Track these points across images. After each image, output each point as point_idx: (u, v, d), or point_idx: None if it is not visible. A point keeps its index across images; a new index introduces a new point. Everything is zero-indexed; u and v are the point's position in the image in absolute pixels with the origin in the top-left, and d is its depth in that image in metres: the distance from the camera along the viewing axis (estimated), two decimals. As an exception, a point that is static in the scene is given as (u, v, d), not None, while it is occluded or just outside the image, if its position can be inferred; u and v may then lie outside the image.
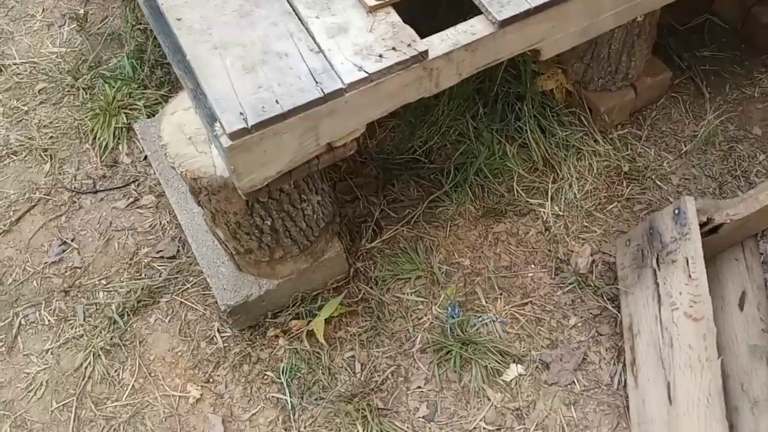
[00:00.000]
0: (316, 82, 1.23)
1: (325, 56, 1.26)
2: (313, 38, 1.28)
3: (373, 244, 1.89)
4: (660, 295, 1.59)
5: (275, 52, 1.27)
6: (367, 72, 1.24)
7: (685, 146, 2.02)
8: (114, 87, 2.16)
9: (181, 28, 1.29)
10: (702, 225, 1.59)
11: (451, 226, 1.93)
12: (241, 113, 1.19)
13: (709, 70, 2.17)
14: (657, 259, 1.63)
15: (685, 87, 2.14)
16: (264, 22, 1.30)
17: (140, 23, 2.25)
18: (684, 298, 1.53)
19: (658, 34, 2.20)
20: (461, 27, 1.33)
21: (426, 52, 1.28)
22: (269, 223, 1.52)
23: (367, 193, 1.97)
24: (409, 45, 1.27)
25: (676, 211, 1.61)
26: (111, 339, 1.81)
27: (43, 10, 2.40)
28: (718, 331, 1.63)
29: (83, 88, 2.20)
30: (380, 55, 1.26)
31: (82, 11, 2.35)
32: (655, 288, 1.61)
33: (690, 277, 1.53)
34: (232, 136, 1.19)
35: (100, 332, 1.82)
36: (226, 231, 1.54)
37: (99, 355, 1.79)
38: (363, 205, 1.96)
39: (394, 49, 1.27)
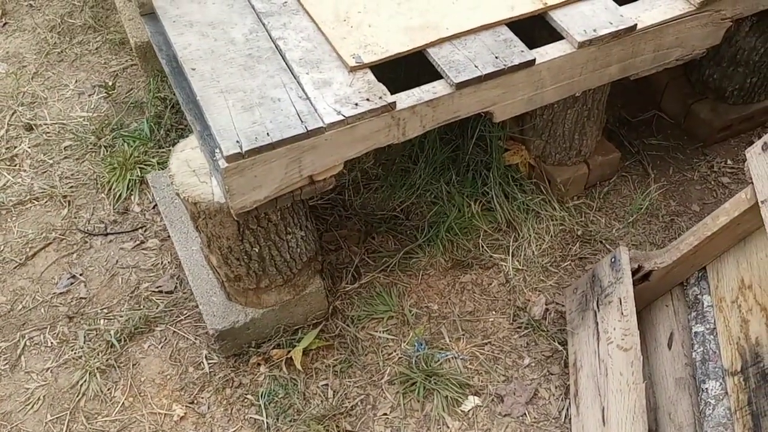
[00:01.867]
0: (302, 121, 1.50)
1: (310, 102, 1.54)
2: (302, 88, 1.57)
3: (351, 287, 2.11)
4: (599, 332, 1.79)
5: (270, 97, 1.55)
6: (344, 115, 1.52)
7: (632, 217, 2.27)
8: (132, 146, 2.46)
9: (194, 76, 1.58)
10: (635, 272, 1.81)
11: (423, 275, 2.15)
12: (237, 141, 1.46)
13: (655, 155, 2.46)
14: (597, 301, 1.85)
15: (634, 168, 2.42)
16: (263, 74, 1.60)
17: (161, 93, 2.58)
18: (617, 333, 1.73)
19: (613, 125, 2.52)
20: (425, 87, 1.63)
21: (394, 103, 1.56)
22: (257, 250, 1.76)
23: (350, 243, 2.21)
24: (380, 97, 1.56)
25: (613, 259, 1.84)
26: (107, 360, 2.00)
27: (76, 81, 2.73)
28: (651, 368, 1.83)
29: (104, 146, 2.49)
30: (356, 104, 1.54)
31: (110, 82, 2.69)
32: (595, 327, 1.82)
33: (622, 314, 1.74)
34: (228, 159, 1.45)
35: (98, 354, 2.01)
36: (219, 256, 1.77)
37: (94, 374, 1.97)
38: (345, 253, 2.19)
39: (367, 99, 1.56)
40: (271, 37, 1.68)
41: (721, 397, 1.60)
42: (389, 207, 2.27)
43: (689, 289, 1.80)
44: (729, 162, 2.46)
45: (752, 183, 1.50)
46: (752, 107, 2.48)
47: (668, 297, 1.86)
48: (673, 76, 2.53)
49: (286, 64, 1.63)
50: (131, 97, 2.65)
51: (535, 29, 1.83)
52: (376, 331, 2.04)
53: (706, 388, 1.64)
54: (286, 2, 1.76)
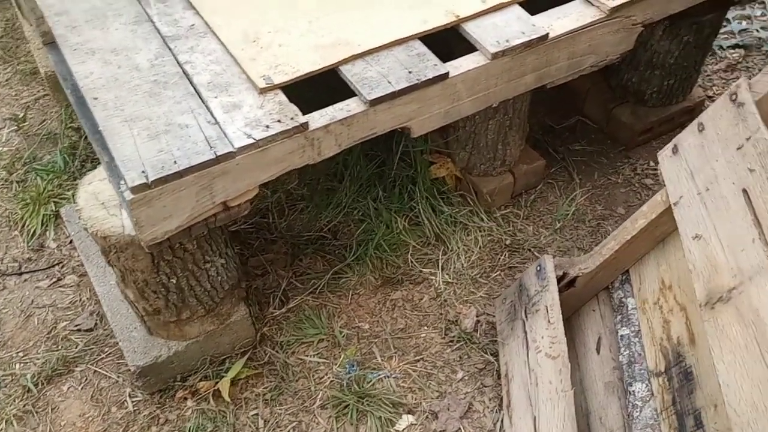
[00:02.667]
0: (211, 147, 1.45)
1: (220, 127, 1.50)
2: (211, 113, 1.52)
3: (279, 312, 2.06)
4: (528, 342, 1.79)
5: (177, 123, 1.50)
6: (254, 138, 1.48)
7: (559, 223, 2.29)
8: (45, 179, 2.35)
9: (96, 106, 1.52)
10: (560, 279, 1.81)
11: (352, 294, 2.12)
12: (143, 171, 1.40)
13: (579, 161, 2.49)
14: (525, 310, 1.84)
15: (560, 174, 2.44)
16: (170, 100, 1.54)
17: (74, 123, 2.48)
18: (545, 341, 1.72)
19: (538, 132, 2.54)
20: (338, 105, 1.60)
21: (306, 124, 1.53)
22: (174, 281, 1.69)
23: (277, 267, 2.16)
24: (292, 118, 1.52)
25: (538, 268, 1.84)
26: (24, 407, 1.89)
27: (-15, 114, 2.62)
28: (582, 374, 1.83)
29: (17, 182, 2.38)
30: (267, 126, 1.50)
31: (21, 114, 2.58)
32: (524, 336, 1.81)
33: (549, 322, 1.73)
34: (134, 190, 1.39)
35: (14, 401, 1.90)
36: (135, 290, 1.70)
37: (11, 422, 1.87)
38: (272, 278, 2.14)
39: (279, 121, 1.52)
40: (177, 62, 1.63)
41: (647, 399, 1.60)
42: (316, 227, 2.23)
43: (614, 292, 1.81)
44: (651, 164, 2.50)
45: (665, 185, 1.52)
46: (671, 109, 2.54)
47: (595, 302, 1.87)
48: (594, 82, 2.57)
49: (194, 88, 1.57)
50: (44, 129, 2.54)
51: (453, 42, 1.83)
52: (307, 356, 1.99)
53: (633, 391, 1.64)
54: (193, 25, 1.71)
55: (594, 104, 2.62)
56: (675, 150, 1.51)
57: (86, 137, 2.43)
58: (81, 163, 2.40)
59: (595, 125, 2.61)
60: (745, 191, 1.28)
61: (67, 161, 2.39)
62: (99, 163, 2.37)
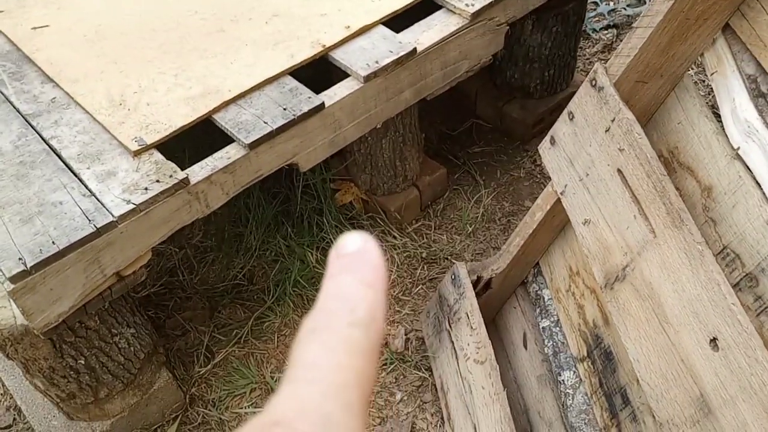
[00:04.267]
0: (89, 220, 1.41)
1: (96, 198, 1.45)
2: (85, 185, 1.48)
3: (206, 369, 2.00)
4: (456, 351, 1.79)
5: (50, 202, 1.44)
6: (134, 203, 1.44)
7: (471, 227, 2.31)
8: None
9: (-38, 199, 1.45)
10: (475, 284, 1.83)
11: (278, 337, 2.08)
12: (20, 258, 1.34)
13: (480, 162, 2.52)
14: (448, 320, 1.84)
15: (464, 179, 2.47)
16: (39, 180, 1.49)
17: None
18: (471, 348, 1.73)
19: (435, 141, 2.57)
20: (218, 154, 1.57)
21: (187, 179, 1.49)
22: (83, 362, 1.62)
23: (197, 324, 2.11)
24: (170, 176, 1.49)
25: (453, 276, 1.85)
26: None
27: None
28: (515, 372, 1.84)
29: None
30: (146, 188, 1.46)
31: None
32: (451, 346, 1.81)
33: (472, 327, 1.74)
34: (13, 279, 1.33)
35: None
36: (43, 379, 1.63)
37: None
38: (193, 335, 2.08)
39: (158, 181, 1.48)
40: (43, 138, 1.57)
41: (577, 385, 1.62)
42: (230, 276, 2.19)
43: (530, 286, 1.83)
44: (549, 153, 2.55)
45: (551, 177, 1.55)
46: (557, 97, 2.60)
47: (514, 299, 1.89)
48: (481, 83, 2.61)
49: (64, 163, 1.52)
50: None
51: (331, 68, 1.82)
52: (241, 408, 1.94)
53: (563, 380, 1.66)
54: (54, 98, 1.66)
55: (485, 105, 2.66)
56: (552, 141, 1.55)
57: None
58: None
59: (489, 125, 2.66)
60: (619, 171, 1.32)
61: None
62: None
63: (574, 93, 2.59)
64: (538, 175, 2.49)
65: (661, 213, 1.21)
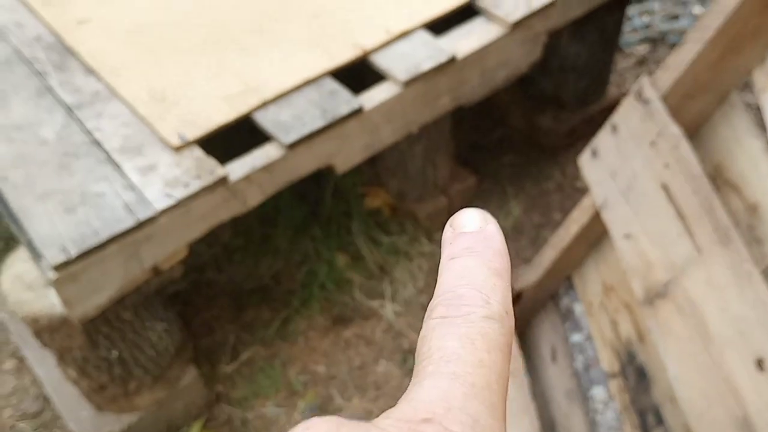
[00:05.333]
0: (131, 212, 1.41)
1: (138, 191, 1.46)
2: (127, 178, 1.48)
3: (231, 367, 2.00)
4: (484, 361, 1.78)
5: (93, 193, 1.45)
6: (176, 198, 1.44)
7: (500, 236, 2.30)
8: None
9: (6, 186, 1.46)
10: (506, 293, 1.82)
11: (304, 338, 2.08)
12: (63, 247, 1.35)
13: (510, 173, 2.52)
14: (477, 330, 1.83)
15: (493, 189, 2.46)
16: (82, 170, 1.50)
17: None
18: (500, 358, 1.72)
19: (465, 150, 2.56)
20: (256, 153, 1.58)
21: (226, 176, 1.50)
22: (116, 354, 1.63)
23: (223, 322, 2.11)
24: (211, 172, 1.49)
25: (483, 285, 1.84)
26: (-27, 508, 1.80)
27: None
28: (543, 386, 1.82)
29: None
30: (186, 183, 1.47)
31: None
32: (479, 356, 1.80)
33: (501, 338, 1.73)
34: (57, 268, 1.34)
35: (-38, 504, 1.80)
36: (76, 369, 1.64)
37: None
38: (219, 334, 2.08)
39: (198, 177, 1.49)
40: (86, 129, 1.58)
41: (607, 402, 1.61)
42: (257, 276, 2.19)
43: (561, 300, 1.82)
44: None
45: (590, 189, 1.54)
46: (590, 110, 2.59)
47: (544, 312, 1.88)
48: (513, 93, 2.61)
49: (107, 154, 1.53)
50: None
51: (366, 73, 1.83)
52: (266, 407, 1.94)
53: (593, 395, 1.65)
54: (97, 90, 1.67)
55: (516, 114, 2.66)
56: (594, 153, 1.54)
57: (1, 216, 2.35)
58: (5, 242, 2.31)
59: (520, 135, 2.65)
60: (664, 186, 1.31)
61: (-12, 243, 2.30)
62: (7, 242, 2.30)
63: (606, 106, 2.61)
64: (569, 188, 2.48)
65: (708, 230, 1.20)
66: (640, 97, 1.39)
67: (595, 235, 1.66)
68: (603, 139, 1.49)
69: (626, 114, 1.42)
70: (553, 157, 2.58)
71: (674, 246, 1.28)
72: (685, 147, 1.29)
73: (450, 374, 0.29)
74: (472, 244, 0.33)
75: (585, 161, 1.56)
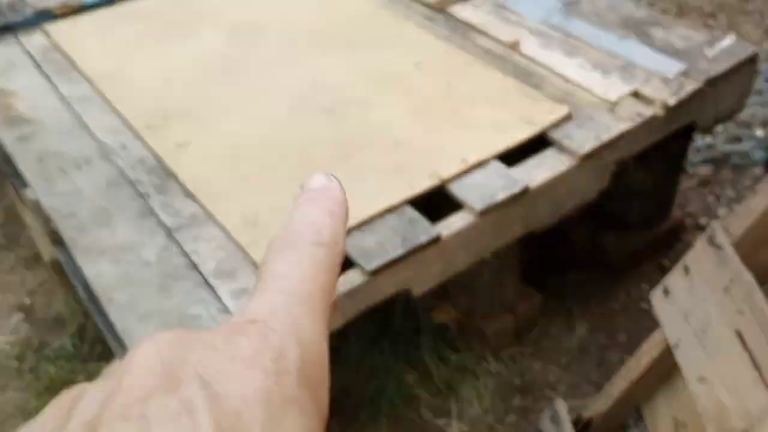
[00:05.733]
0: (223, 335, 1.51)
1: (230, 314, 1.56)
2: (221, 301, 1.59)
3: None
4: (552, 490, 1.78)
5: (189, 315, 1.56)
6: (264, 322, 1.53)
7: (565, 358, 2.32)
8: (57, 366, 2.38)
9: (110, 306, 1.58)
10: (575, 422, 1.83)
11: (369, 455, 2.11)
12: (160, 367, 1.44)
13: (574, 291, 2.55)
14: (545, 457, 1.84)
15: (558, 307, 2.50)
16: (180, 293, 1.61)
17: (80, 305, 2.54)
18: (570, 489, 1.72)
19: (527, 264, 2.62)
20: (341, 279, 1.67)
21: (312, 301, 1.59)
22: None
23: (291, 433, 2.16)
24: (297, 297, 1.59)
25: (552, 414, 1.86)
26: None
27: (-7, 304, 2.68)
28: None
29: (28, 371, 2.41)
30: (275, 308, 1.56)
31: (28, 301, 2.64)
32: (547, 484, 1.80)
33: (571, 468, 1.74)
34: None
35: None
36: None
37: None
38: (287, 445, 2.13)
39: (285, 301, 1.58)
40: (184, 252, 1.71)
41: None
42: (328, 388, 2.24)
43: (630, 431, 1.82)
44: (644, 286, 2.57)
45: (662, 327, 1.57)
46: (654, 231, 2.64)
47: (613, 441, 1.88)
48: (578, 211, 2.67)
49: (202, 277, 1.65)
50: (51, 313, 2.60)
51: (439, 199, 1.93)
52: None
53: None
54: (194, 214, 1.81)
55: (580, 232, 2.71)
56: (666, 292, 1.58)
57: (93, 319, 2.49)
58: (90, 345, 2.44)
59: (584, 253, 2.70)
60: (738, 333, 1.34)
61: (76, 345, 2.43)
62: (106, 345, 2.42)
63: (670, 227, 2.65)
64: (634, 309, 2.50)
65: (786, 382, 1.22)
66: (713, 243, 1.44)
67: (667, 370, 1.68)
68: (675, 279, 1.53)
69: (699, 258, 1.47)
70: (617, 277, 2.61)
71: (750, 394, 1.30)
72: (759, 295, 1.32)
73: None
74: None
75: (657, 299, 1.60)
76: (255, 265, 1.66)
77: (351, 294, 1.65)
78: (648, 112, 2.02)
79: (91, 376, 2.33)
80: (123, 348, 1.53)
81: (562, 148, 1.99)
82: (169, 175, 1.92)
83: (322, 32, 2.37)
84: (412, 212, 1.81)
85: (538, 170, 1.95)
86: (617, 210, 2.56)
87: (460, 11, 2.39)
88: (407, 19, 2.41)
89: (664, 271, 2.64)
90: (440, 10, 2.42)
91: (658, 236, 2.65)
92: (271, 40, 2.33)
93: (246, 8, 2.54)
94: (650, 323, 1.84)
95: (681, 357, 1.48)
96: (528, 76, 2.12)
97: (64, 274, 2.55)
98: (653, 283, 2.57)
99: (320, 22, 2.45)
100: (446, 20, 2.40)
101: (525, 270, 2.53)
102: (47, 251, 2.60)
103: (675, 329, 1.50)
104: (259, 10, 2.52)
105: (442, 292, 2.37)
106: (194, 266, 1.67)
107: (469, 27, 2.32)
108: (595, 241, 2.65)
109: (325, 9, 2.51)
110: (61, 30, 2.36)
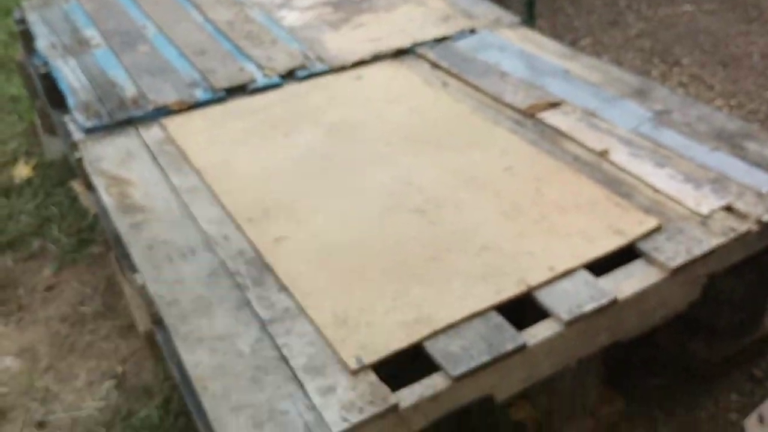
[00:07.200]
0: (310, 433, 1.55)
1: (318, 412, 1.60)
2: (308, 397, 1.64)
3: None
4: None
5: (278, 410, 1.61)
6: (350, 422, 1.57)
7: (649, 468, 2.25)
8: (141, 435, 2.48)
9: (205, 395, 1.66)
10: None
11: None
12: (250, 463, 1.50)
13: (658, 396, 2.48)
14: None
15: (640, 412, 2.43)
16: (271, 386, 1.67)
17: (168, 378, 2.64)
18: None
19: (611, 366, 2.57)
20: (425, 381, 1.70)
21: (397, 405, 1.62)
22: None
23: None
24: (383, 399, 1.62)
25: None
26: None
27: (87, 369, 2.81)
28: None
29: (114, 440, 2.51)
30: (361, 408, 1.60)
31: (120, 369, 2.77)
32: None
33: None
34: (243, 482, 1.48)
35: None
36: None
37: None
38: None
39: (371, 402, 1.62)
40: (276, 345, 1.78)
41: None
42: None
43: None
44: (733, 396, 2.48)
45: (757, 456, 1.53)
46: (745, 340, 2.55)
47: None
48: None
49: (292, 372, 1.71)
50: (140, 381, 2.71)
51: (524, 306, 1.94)
52: None
53: None
54: (287, 307, 1.88)
55: (666, 336, 2.65)
56: (761, 419, 1.54)
57: (180, 391, 2.58)
58: (175, 417, 2.52)
59: (669, 357, 2.63)
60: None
61: (162, 417, 2.52)
62: (191, 417, 2.50)
63: (762, 336, 2.56)
64: (721, 420, 2.40)
65: None
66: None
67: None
68: (772, 410, 1.49)
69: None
70: (705, 384, 2.53)
71: None
72: None
73: None
74: None
75: (751, 425, 1.56)
76: (342, 363, 1.71)
77: (434, 398, 1.67)
78: (742, 227, 2.00)
79: (174, 450, 2.41)
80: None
81: (651, 261, 1.98)
82: (267, 268, 2.01)
83: (415, 133, 2.47)
84: (498, 319, 1.83)
85: (627, 282, 1.94)
86: (707, 317, 2.50)
87: (549, 117, 2.44)
88: (497, 125, 2.48)
89: (755, 380, 2.56)
90: (530, 115, 2.49)
91: (750, 345, 2.56)
92: (368, 140, 2.45)
93: (344, 108, 2.68)
94: (739, 438, 1.77)
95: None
96: (617, 185, 2.14)
97: (157, 345, 2.68)
98: (743, 393, 2.49)
99: (414, 124, 2.56)
100: (535, 126, 2.46)
101: (608, 373, 2.49)
102: (142, 322, 2.73)
103: (771, 464, 1.46)
104: (356, 110, 2.65)
105: (521, 391, 2.36)
106: (285, 360, 1.74)
107: (558, 133, 2.37)
108: (681, 345, 2.59)
109: (418, 111, 2.61)
110: (177, 124, 2.55)
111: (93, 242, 3.49)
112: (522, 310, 1.93)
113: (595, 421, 2.32)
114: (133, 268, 2.03)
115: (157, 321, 1.96)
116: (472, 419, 2.29)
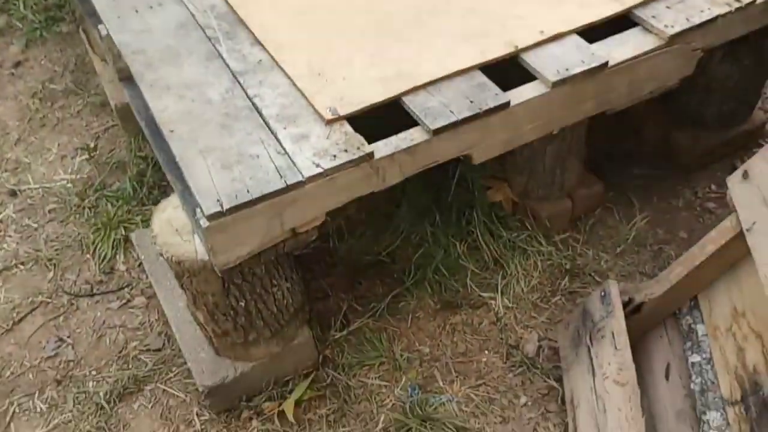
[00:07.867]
0: (281, 176, 1.51)
1: (289, 157, 1.55)
2: (280, 144, 1.58)
3: (341, 334, 2.09)
4: (594, 368, 1.78)
5: (248, 154, 1.56)
6: (323, 168, 1.52)
7: (620, 248, 2.28)
8: (115, 206, 2.45)
9: (173, 138, 1.59)
10: (625, 305, 1.81)
11: (412, 318, 2.14)
12: (218, 200, 1.46)
13: (638, 185, 2.47)
14: (590, 336, 1.84)
15: (618, 199, 2.43)
16: (241, 132, 1.60)
17: (142, 152, 2.59)
18: (612, 368, 1.72)
19: (594, 157, 2.53)
20: (402, 135, 1.64)
21: (372, 153, 1.57)
22: (243, 304, 1.74)
23: (338, 290, 2.20)
24: (358, 148, 1.57)
25: (603, 293, 1.84)
26: (97, 423, 1.97)
27: (59, 144, 2.74)
28: (650, 401, 1.81)
29: (88, 208, 2.49)
30: (334, 155, 1.55)
31: (92, 144, 2.70)
32: (589, 362, 1.81)
33: (616, 348, 1.73)
34: (210, 218, 1.45)
35: (88, 417, 1.98)
36: (206, 313, 1.76)
37: (86, 439, 1.94)
38: (333, 301, 2.18)
39: (345, 150, 1.56)
40: (247, 95, 1.69)
41: (723, 428, 1.58)
42: (374, 252, 2.26)
43: (682, 318, 1.79)
44: (713, 187, 2.48)
45: (736, 211, 1.51)
46: (731, 132, 2.51)
47: (662, 328, 1.86)
48: (652, 105, 2.55)
49: (264, 120, 1.63)
50: (113, 157, 2.65)
51: (508, 71, 1.85)
52: (369, 378, 2.02)
53: (707, 420, 1.62)
54: (260, 60, 1.77)
55: (652, 127, 2.60)
56: (746, 175, 1.51)
57: (154, 165, 2.53)
58: (149, 189, 2.49)
59: (652, 148, 2.59)
60: (818, 219, 1.27)
61: (135, 188, 2.49)
62: (166, 191, 2.47)
63: (749, 130, 2.51)
64: (698, 208, 2.42)
65: None
66: (804, 126, 1.35)
67: (732, 258, 1.63)
68: (757, 162, 1.46)
69: (785, 141, 1.38)
70: (685, 175, 2.51)
71: (821, 282, 1.25)
72: None
73: None
74: None
75: (734, 182, 1.53)
76: (317, 114, 1.64)
77: (411, 151, 1.62)
78: (746, -4, 1.87)
79: (146, 218, 2.40)
80: (181, 180, 1.55)
81: (648, 29, 1.87)
82: (240, 22, 1.88)
83: None
84: (481, 77, 1.74)
85: (620, 48, 1.83)
86: (695, 106, 2.43)
87: None
88: None
89: (734, 174, 2.53)
90: None
91: (735, 137, 2.51)
92: None
93: None
94: (715, 223, 1.76)
95: (754, 240, 1.42)
96: (621, -57, 1.98)
97: (130, 120, 2.59)
98: (722, 185, 2.46)
99: None
100: None
101: (590, 159, 2.45)
102: (114, 98, 2.62)
103: (752, 213, 1.44)
104: None
105: (499, 171, 2.33)
106: (256, 109, 1.66)
107: None
108: (666, 136, 2.54)
109: None
110: None
111: (62, 21, 3.29)
112: (508, 77, 1.83)
113: (572, 202, 2.32)
114: (97, 20, 1.89)
115: (126, 77, 1.85)
116: (448, 195, 2.27)
